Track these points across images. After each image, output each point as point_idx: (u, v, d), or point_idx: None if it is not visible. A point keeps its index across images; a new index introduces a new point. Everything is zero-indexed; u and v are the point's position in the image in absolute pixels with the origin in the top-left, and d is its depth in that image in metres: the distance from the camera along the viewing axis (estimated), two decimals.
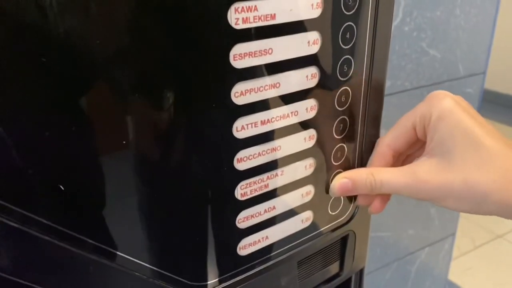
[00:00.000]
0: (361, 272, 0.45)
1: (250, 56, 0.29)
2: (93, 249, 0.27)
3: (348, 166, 0.38)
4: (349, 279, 0.44)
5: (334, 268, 0.42)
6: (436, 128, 0.33)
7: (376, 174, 0.35)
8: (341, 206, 0.39)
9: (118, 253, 0.28)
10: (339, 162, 0.37)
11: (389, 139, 0.37)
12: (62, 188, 0.25)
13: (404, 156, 0.38)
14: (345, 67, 0.34)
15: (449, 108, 0.32)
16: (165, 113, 0.27)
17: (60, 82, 0.24)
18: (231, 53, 0.28)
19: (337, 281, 0.42)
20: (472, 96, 1.20)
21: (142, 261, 0.30)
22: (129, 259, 0.29)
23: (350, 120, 0.36)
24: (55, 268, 0.27)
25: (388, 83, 1.08)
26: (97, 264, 0.28)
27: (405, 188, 0.34)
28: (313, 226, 0.38)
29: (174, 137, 0.28)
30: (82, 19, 0.23)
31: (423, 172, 0.33)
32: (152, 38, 0.26)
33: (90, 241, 0.27)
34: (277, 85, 0.31)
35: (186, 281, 0.32)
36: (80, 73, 0.24)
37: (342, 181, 0.36)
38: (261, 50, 0.29)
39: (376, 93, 0.37)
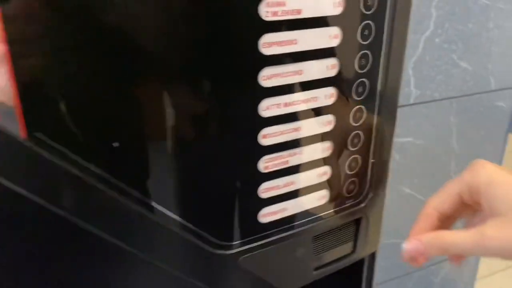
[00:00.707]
0: (373, 256, 0.49)
1: (277, 45, 0.33)
2: (136, 200, 0.32)
3: (364, 151, 0.42)
4: (362, 261, 0.48)
5: (347, 247, 0.46)
6: (489, 193, 0.36)
7: (445, 237, 0.37)
8: (355, 190, 0.43)
9: (157, 206, 0.33)
10: (356, 148, 0.41)
11: (435, 203, 0.40)
12: (117, 145, 0.30)
13: (452, 219, 0.41)
14: (362, 61, 0.38)
15: (495, 173, 0.36)
16: (205, 92, 0.32)
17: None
18: (260, 41, 0.33)
19: (349, 261, 0.46)
20: (504, 110, 1.20)
21: (180, 217, 0.34)
22: (167, 214, 0.34)
23: (367, 109, 0.40)
24: (110, 215, 0.32)
25: (417, 93, 1.10)
26: (137, 214, 0.33)
27: (474, 248, 0.36)
28: (328, 205, 0.42)
29: (212, 113, 0.33)
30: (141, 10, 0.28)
31: (490, 230, 0.35)
32: (197, 29, 0.31)
33: (135, 192, 0.32)
34: (300, 72, 0.35)
35: (214, 239, 0.36)
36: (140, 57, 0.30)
37: (414, 242, 0.39)
38: (287, 40, 0.34)
39: (392, 85, 0.41)
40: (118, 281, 0.38)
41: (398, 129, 1.14)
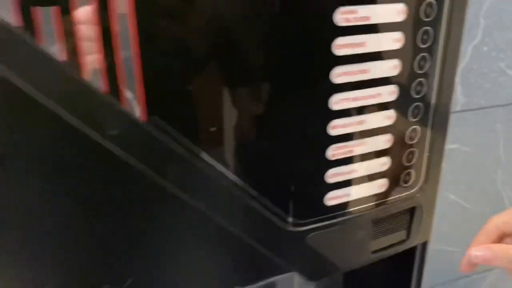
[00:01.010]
0: (425, 245, 0.52)
1: (348, 47, 0.39)
2: (227, 179, 0.38)
3: (420, 146, 0.46)
4: (414, 249, 0.52)
5: (401, 234, 0.50)
6: None
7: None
8: (411, 180, 0.47)
9: (245, 186, 0.39)
10: (413, 142, 0.45)
11: (498, 221, 0.43)
12: (214, 129, 0.36)
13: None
14: (421, 62, 0.43)
15: None
16: (287, 88, 0.38)
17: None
18: (334, 43, 0.38)
19: (404, 246, 0.50)
20: None
21: (261, 194, 0.40)
22: (251, 193, 0.39)
23: (424, 107, 0.44)
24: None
25: (464, 100, 1.12)
26: (227, 189, 0.38)
27: None
28: (387, 193, 0.46)
29: (290, 106, 0.39)
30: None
31: None
32: (283, 34, 0.36)
33: (229, 172, 0.38)
34: (367, 71, 0.40)
35: (288, 216, 0.42)
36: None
37: (484, 250, 0.41)
38: (357, 43, 0.39)
39: (446, 86, 0.45)
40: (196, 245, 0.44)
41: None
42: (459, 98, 1.12)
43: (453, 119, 1.13)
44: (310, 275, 0.45)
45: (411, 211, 0.49)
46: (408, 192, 0.48)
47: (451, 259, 1.29)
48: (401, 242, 0.50)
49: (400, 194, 0.47)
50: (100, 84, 0.32)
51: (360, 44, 0.39)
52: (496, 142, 1.22)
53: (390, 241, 0.49)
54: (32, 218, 0.34)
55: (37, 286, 0.36)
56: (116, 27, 0.31)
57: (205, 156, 0.37)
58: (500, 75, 1.10)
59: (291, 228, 0.42)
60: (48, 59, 0.30)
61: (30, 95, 0.30)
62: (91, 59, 0.31)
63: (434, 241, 1.33)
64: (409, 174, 0.47)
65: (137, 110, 0.34)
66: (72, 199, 0.35)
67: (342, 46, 0.38)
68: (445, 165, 1.24)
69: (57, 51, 0.30)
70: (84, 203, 0.35)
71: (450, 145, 1.16)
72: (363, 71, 0.40)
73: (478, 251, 0.41)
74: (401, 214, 0.49)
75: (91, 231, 0.37)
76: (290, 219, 0.42)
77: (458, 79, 1.13)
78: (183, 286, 0.42)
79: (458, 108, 1.12)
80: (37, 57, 0.30)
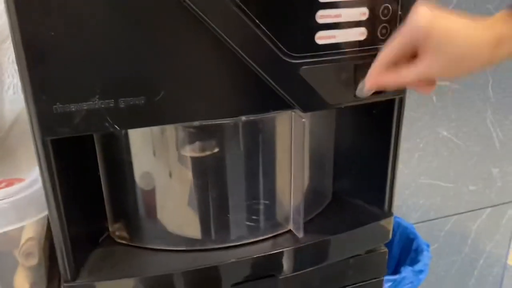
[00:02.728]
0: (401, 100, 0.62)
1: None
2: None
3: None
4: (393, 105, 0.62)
5: None
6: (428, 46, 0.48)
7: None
8: (387, 35, 0.57)
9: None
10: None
11: (386, 56, 0.53)
12: None
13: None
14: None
15: (432, 23, 0.48)
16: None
17: None
18: None
19: (381, 97, 0.60)
20: None
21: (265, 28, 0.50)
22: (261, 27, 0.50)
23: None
24: None
25: None
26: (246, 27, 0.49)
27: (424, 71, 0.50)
28: (366, 41, 0.56)
29: None
30: None
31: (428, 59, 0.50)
32: None
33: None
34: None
35: (284, 49, 0.52)
36: None
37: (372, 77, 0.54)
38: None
39: None
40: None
41: None
42: None
43: None
44: (304, 107, 0.56)
45: None
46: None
47: (444, 194, 1.38)
48: (380, 92, 0.60)
49: (378, 45, 0.57)
50: None
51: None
52: (486, 82, 1.31)
53: None
54: None
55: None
56: None
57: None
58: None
59: (287, 59, 0.53)
60: None
61: None
62: None
63: (425, 176, 1.44)
64: (385, 28, 0.57)
65: None
66: None
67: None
68: (436, 101, 1.35)
69: None
70: None
71: (441, 81, 1.25)
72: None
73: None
74: None
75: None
76: (286, 51, 0.52)
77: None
78: (201, 107, 0.53)
79: None
80: None
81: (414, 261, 1.06)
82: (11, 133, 0.87)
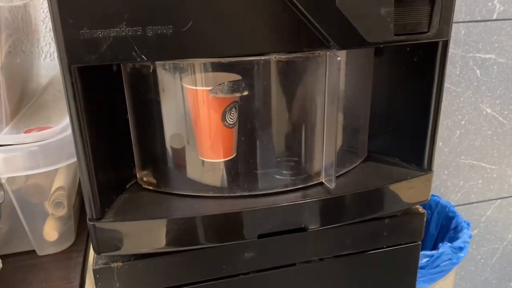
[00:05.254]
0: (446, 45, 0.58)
1: None
2: None
3: None
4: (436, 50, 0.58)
5: (422, 25, 0.56)
6: None
7: None
8: None
9: None
10: None
11: None
12: None
13: None
14: None
15: None
16: None
17: None
18: None
19: (423, 37, 0.56)
20: None
21: None
22: None
23: None
24: None
25: (501, 8, 1.15)
26: None
27: None
28: None
29: None
30: None
31: None
32: None
33: None
34: None
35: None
36: None
37: None
38: None
39: None
40: None
41: (480, 44, 1.20)
42: (496, 5, 1.15)
43: (489, 27, 1.17)
44: (339, 43, 0.53)
45: (431, 2, 0.55)
46: None
47: (487, 176, 1.31)
48: (422, 32, 0.56)
49: None
50: None
51: None
52: None
53: (412, 28, 0.55)
54: None
55: None
56: None
57: None
58: None
59: None
60: None
61: None
62: None
63: (467, 156, 1.37)
64: None
65: None
66: None
67: None
68: (480, 75, 1.28)
69: None
70: None
71: (485, 55, 1.19)
72: None
73: None
74: (423, 3, 0.55)
75: None
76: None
77: None
78: (230, 42, 0.51)
79: (494, 16, 1.16)
80: None
81: (453, 240, 1.01)
82: (44, 93, 0.88)
